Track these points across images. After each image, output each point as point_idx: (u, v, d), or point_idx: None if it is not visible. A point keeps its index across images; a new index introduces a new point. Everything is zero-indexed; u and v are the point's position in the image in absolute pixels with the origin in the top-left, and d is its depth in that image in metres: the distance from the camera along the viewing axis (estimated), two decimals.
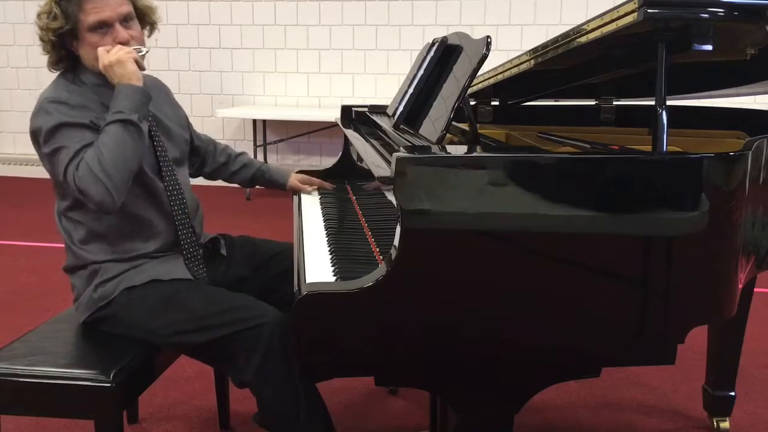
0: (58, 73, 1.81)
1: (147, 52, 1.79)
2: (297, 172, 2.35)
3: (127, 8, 1.76)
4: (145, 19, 1.85)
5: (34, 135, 1.71)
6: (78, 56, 1.77)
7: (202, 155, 2.13)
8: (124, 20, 1.75)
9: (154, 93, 1.81)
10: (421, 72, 1.86)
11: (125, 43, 1.73)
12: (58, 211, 1.81)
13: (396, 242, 1.28)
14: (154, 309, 1.70)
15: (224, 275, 1.93)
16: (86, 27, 1.71)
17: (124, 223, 1.77)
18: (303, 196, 2.18)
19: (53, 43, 1.73)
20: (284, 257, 1.92)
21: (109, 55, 1.70)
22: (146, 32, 1.86)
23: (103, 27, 1.72)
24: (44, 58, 1.79)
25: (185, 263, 1.83)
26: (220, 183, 2.05)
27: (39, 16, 1.74)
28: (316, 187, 2.21)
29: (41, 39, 1.75)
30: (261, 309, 1.64)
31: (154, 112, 1.83)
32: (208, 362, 1.80)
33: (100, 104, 1.74)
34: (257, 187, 2.25)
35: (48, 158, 1.70)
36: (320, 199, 2.14)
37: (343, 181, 2.31)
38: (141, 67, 1.74)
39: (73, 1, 1.70)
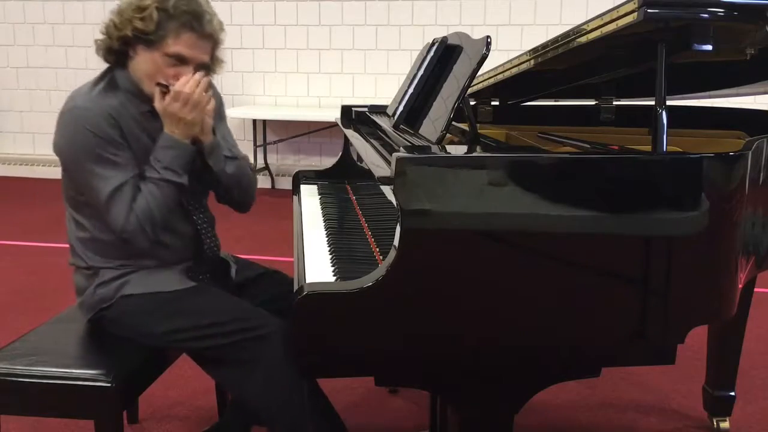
0: (98, 77, 1.73)
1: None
2: (297, 172, 2.35)
3: (207, 59, 1.72)
4: (209, 67, 1.76)
5: (70, 145, 1.66)
6: (125, 58, 1.70)
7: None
8: (198, 67, 1.69)
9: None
10: (421, 72, 1.86)
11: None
12: (67, 207, 1.77)
13: (396, 242, 1.28)
14: (156, 316, 1.69)
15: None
16: (165, 50, 1.64)
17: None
18: (303, 196, 2.18)
19: (121, 37, 1.66)
20: (278, 282, 1.91)
21: (179, 106, 1.63)
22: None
23: (179, 61, 1.66)
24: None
25: (191, 275, 1.78)
26: None
27: (127, 8, 1.65)
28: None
29: (113, 26, 1.66)
30: (264, 318, 1.64)
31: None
32: (212, 372, 1.73)
33: (131, 120, 1.69)
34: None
35: (80, 179, 1.67)
36: (320, 199, 2.13)
37: (343, 181, 2.31)
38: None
39: (174, 20, 1.62)
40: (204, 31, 1.66)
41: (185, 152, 1.69)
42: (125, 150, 1.66)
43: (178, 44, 1.64)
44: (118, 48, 1.68)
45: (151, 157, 1.68)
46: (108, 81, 1.71)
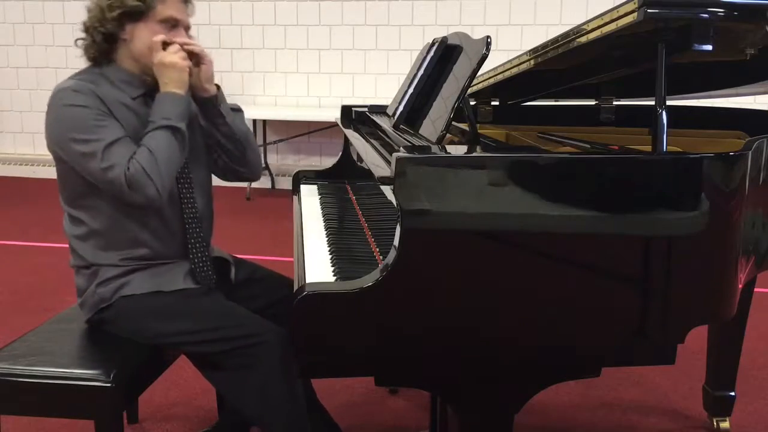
0: (84, 68, 1.77)
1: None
2: (297, 172, 2.35)
3: (189, 22, 1.81)
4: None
5: (56, 127, 1.67)
6: (112, 51, 1.74)
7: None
8: (186, 29, 1.79)
9: None
10: (421, 72, 1.86)
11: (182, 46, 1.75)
12: (63, 206, 1.77)
13: (396, 242, 1.28)
14: (154, 318, 1.69)
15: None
16: (158, 17, 1.71)
17: (124, 223, 1.72)
18: (303, 196, 2.18)
19: (109, 27, 1.70)
20: (277, 285, 1.90)
21: (169, 54, 1.70)
22: None
23: (173, 25, 1.74)
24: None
25: (192, 270, 1.78)
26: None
27: None
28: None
29: (102, 14, 1.70)
30: (260, 326, 1.64)
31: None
32: (208, 376, 1.73)
33: (119, 102, 1.71)
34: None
35: (78, 154, 1.65)
36: (320, 199, 2.13)
37: (343, 181, 2.31)
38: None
39: None
40: None
41: (180, 101, 1.71)
42: (112, 119, 1.67)
43: (168, 8, 1.72)
44: (105, 44, 1.73)
45: (148, 120, 1.70)
46: (92, 74, 1.74)
